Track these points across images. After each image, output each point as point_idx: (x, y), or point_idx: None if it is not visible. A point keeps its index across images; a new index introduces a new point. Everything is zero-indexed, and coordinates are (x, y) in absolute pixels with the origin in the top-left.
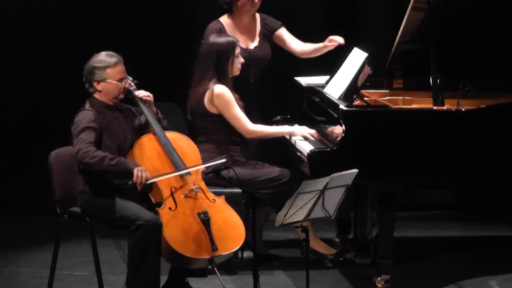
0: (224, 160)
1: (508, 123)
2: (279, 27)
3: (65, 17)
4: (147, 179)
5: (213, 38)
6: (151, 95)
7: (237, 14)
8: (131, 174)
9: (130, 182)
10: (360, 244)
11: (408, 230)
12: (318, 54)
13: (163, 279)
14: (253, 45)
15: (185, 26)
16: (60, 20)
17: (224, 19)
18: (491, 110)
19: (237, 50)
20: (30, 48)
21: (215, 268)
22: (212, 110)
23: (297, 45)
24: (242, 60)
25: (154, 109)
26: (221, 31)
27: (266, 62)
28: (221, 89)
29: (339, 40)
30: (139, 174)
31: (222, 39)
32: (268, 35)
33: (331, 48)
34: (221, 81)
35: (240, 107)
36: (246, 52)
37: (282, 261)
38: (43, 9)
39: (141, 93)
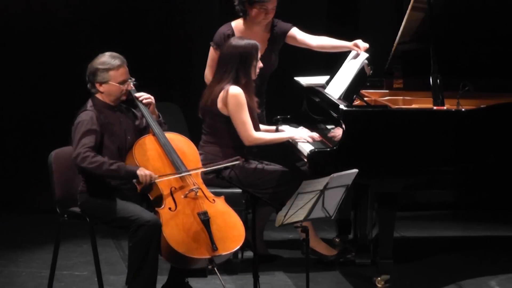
0: (237, 162)
1: (508, 123)
2: (290, 28)
3: (65, 17)
4: (151, 179)
5: (236, 41)
6: (152, 97)
7: (249, 22)
8: (133, 176)
9: (134, 181)
10: (360, 244)
11: (408, 230)
12: (338, 51)
13: (163, 279)
14: (260, 54)
15: (185, 26)
16: (60, 20)
17: (236, 24)
18: (491, 110)
19: (259, 54)
20: (30, 48)
21: (215, 268)
22: (224, 111)
23: (312, 40)
24: (261, 64)
25: (157, 112)
26: (229, 36)
27: (270, 72)
28: (236, 91)
29: (362, 47)
30: (143, 173)
31: (245, 42)
32: (278, 40)
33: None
34: (239, 83)
35: (253, 113)
36: None
37: (282, 261)
38: (43, 9)
39: (142, 96)
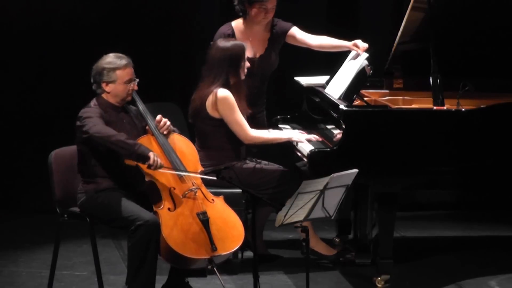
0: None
1: (508, 123)
2: (290, 27)
3: (65, 17)
4: (161, 166)
5: (223, 44)
6: (168, 124)
7: (249, 22)
8: (144, 157)
9: (146, 163)
10: (360, 244)
11: (408, 230)
12: (338, 50)
13: (163, 279)
14: (259, 54)
15: (185, 26)
16: (61, 20)
17: (236, 24)
18: (491, 110)
19: (246, 54)
20: (31, 48)
21: (215, 268)
22: (214, 114)
23: (311, 40)
24: (248, 64)
25: (172, 129)
26: (230, 36)
27: (270, 72)
28: (224, 93)
29: (362, 47)
30: (156, 158)
31: (232, 44)
32: (278, 40)
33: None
34: (228, 85)
35: (245, 113)
36: (251, 61)
37: (282, 261)
38: (44, 9)
39: (161, 125)
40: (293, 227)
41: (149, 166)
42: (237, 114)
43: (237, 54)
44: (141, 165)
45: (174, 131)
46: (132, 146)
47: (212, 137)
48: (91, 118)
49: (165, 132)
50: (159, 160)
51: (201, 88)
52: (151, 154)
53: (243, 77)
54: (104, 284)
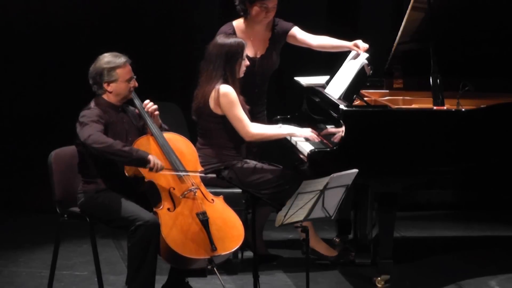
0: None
1: (508, 123)
2: (291, 27)
3: (65, 17)
4: (162, 168)
5: (222, 39)
6: (155, 106)
7: (250, 21)
8: (144, 161)
9: (147, 167)
10: (360, 244)
11: (408, 230)
12: (338, 50)
13: (163, 279)
14: (260, 54)
15: (185, 26)
16: (61, 20)
17: (237, 23)
18: (491, 110)
19: (245, 52)
20: (31, 48)
21: (215, 268)
22: (217, 110)
23: (312, 40)
24: (247, 62)
25: (160, 121)
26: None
27: (271, 71)
28: (226, 89)
29: (362, 47)
30: (156, 161)
31: (231, 40)
32: (279, 40)
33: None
34: (228, 82)
35: (245, 110)
36: (252, 61)
37: (282, 261)
38: (44, 9)
39: (148, 104)
40: (293, 227)
41: (150, 169)
42: (238, 110)
43: (234, 51)
44: (141, 169)
45: (165, 129)
46: (130, 152)
47: (215, 134)
48: (87, 126)
49: (149, 110)
50: (159, 162)
51: (201, 84)
52: (150, 158)
53: (240, 75)
54: (104, 284)
